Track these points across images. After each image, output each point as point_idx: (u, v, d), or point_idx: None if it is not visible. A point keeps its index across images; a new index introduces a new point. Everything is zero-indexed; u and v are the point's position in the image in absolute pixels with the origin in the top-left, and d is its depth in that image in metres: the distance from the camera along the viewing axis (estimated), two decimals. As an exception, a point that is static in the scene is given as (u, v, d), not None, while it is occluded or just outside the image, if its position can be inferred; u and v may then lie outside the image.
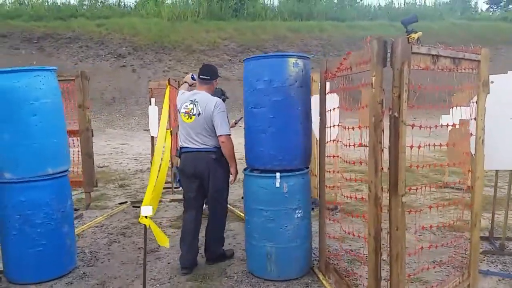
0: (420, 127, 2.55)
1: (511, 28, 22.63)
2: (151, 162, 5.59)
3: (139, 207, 5.92)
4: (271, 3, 24.77)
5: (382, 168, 2.45)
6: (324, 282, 3.31)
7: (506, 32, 22.19)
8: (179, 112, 3.71)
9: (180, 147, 3.77)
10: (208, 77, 3.73)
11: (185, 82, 4.10)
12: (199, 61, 18.87)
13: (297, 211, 3.41)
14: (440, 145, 2.76)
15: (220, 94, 5.34)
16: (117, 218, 5.32)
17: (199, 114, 3.58)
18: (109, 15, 20.39)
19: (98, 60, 17.79)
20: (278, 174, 3.35)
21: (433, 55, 2.50)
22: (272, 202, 3.38)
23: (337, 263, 3.58)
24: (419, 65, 2.43)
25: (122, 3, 22.52)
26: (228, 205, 5.54)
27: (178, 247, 3.80)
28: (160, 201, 6.05)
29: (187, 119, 3.64)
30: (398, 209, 2.38)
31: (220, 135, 3.54)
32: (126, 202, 6.01)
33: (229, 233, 4.63)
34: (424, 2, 29.02)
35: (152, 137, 8.71)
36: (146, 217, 2.67)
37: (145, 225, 2.61)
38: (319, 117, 3.50)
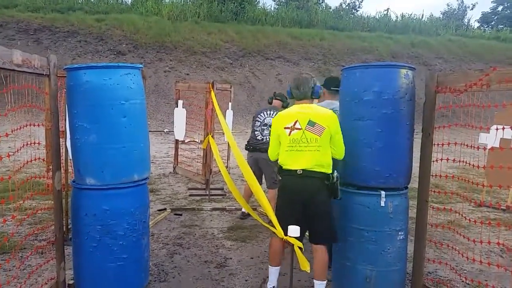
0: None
1: (504, 48, 23.19)
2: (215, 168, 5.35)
3: (180, 214, 5.64)
4: (271, 9, 24.63)
5: None
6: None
7: (499, 51, 22.71)
8: None
9: None
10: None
11: None
12: (200, 62, 18.52)
13: (399, 233, 3.21)
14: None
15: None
16: (164, 226, 5.00)
17: None
18: (108, 10, 19.82)
19: (97, 56, 17.22)
20: (383, 193, 3.15)
21: None
22: (375, 222, 3.16)
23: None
24: None
25: (120, -1, 21.97)
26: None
27: (247, 262, 3.50)
28: (201, 209, 5.77)
29: None
30: None
31: None
32: (165, 209, 5.69)
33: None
34: (422, 16, 29.30)
35: (177, 140, 8.38)
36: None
37: (292, 244, 2.37)
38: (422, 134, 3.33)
